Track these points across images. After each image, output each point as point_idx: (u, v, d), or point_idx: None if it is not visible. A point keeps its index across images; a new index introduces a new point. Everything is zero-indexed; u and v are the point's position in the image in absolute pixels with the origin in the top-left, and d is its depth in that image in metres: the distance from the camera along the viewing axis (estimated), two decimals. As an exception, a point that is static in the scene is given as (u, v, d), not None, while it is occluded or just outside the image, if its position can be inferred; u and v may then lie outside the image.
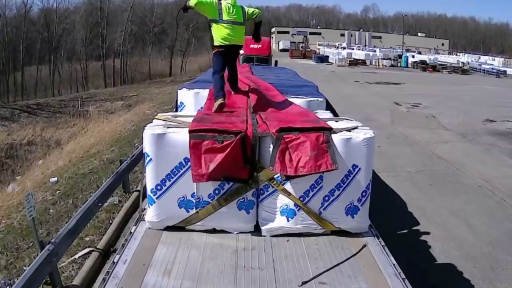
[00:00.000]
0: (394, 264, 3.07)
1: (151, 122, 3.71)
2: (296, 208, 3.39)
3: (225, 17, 4.38)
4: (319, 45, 67.35)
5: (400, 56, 52.30)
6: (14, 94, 43.35)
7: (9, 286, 4.96)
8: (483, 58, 57.39)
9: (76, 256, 5.72)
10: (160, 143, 3.34)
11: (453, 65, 48.33)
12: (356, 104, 17.83)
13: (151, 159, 3.38)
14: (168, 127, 3.46)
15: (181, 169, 3.33)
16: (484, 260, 6.09)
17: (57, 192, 9.19)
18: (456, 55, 64.49)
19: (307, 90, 5.61)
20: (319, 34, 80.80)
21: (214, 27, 4.42)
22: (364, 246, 3.28)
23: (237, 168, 3.28)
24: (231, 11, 4.40)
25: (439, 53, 63.81)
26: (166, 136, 3.34)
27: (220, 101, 4.20)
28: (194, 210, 3.40)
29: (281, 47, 70.99)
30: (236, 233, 3.46)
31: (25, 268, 5.00)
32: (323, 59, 50.54)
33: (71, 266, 5.54)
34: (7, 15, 46.75)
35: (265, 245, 3.31)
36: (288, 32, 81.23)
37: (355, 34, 79.72)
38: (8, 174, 16.71)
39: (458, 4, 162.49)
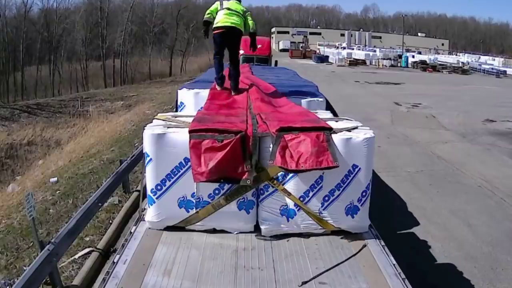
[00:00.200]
0: (394, 264, 3.07)
1: (151, 122, 3.71)
2: (296, 208, 3.39)
3: (224, 6, 5.06)
4: (319, 45, 67.33)
5: (400, 56, 52.30)
6: (14, 94, 43.37)
7: (9, 286, 4.96)
8: (483, 58, 57.39)
9: (76, 256, 5.72)
10: (160, 143, 3.34)
11: (453, 65, 48.34)
12: (356, 104, 17.83)
13: (151, 159, 3.38)
14: (168, 127, 3.46)
15: (181, 169, 3.33)
16: (484, 260, 6.09)
17: (57, 192, 9.20)
18: (456, 55, 64.50)
19: (307, 90, 5.61)
20: (319, 34, 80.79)
21: (218, 15, 5.06)
22: (364, 246, 3.28)
23: (237, 168, 3.28)
24: (230, 4, 5.09)
25: (439, 53, 63.81)
26: (166, 136, 3.34)
27: (218, 88, 5.11)
28: (194, 210, 3.40)
29: (281, 47, 70.99)
30: (236, 233, 3.46)
31: (25, 268, 4.99)
32: (323, 59, 50.53)
33: (71, 266, 5.54)
34: (7, 15, 46.79)
35: (265, 245, 3.31)
36: (288, 32, 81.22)
37: (355, 34, 79.71)
38: (8, 174, 16.71)
39: (458, 4, 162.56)
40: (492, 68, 46.96)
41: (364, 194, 3.49)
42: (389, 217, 6.69)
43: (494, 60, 55.69)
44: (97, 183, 8.84)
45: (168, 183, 3.37)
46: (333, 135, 3.37)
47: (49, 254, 4.43)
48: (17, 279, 4.32)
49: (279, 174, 3.34)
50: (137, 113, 22.07)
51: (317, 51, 59.65)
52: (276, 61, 19.71)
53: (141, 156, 4.31)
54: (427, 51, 64.74)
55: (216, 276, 2.87)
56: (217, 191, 3.38)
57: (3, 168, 17.93)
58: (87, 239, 6.27)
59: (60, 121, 26.16)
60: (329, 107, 5.19)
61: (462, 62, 50.81)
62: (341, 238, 3.43)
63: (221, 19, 4.96)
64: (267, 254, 3.17)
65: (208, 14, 5.12)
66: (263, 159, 3.37)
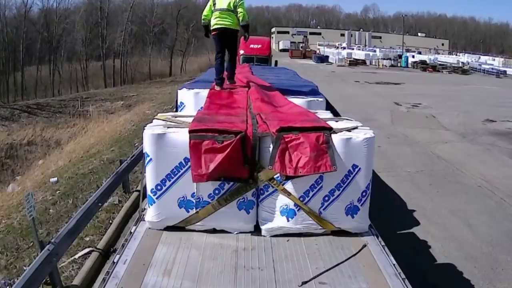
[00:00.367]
0: (394, 264, 3.06)
1: (151, 122, 3.70)
2: (296, 208, 3.39)
3: (217, 6, 5.40)
4: (319, 45, 67.32)
5: (400, 56, 52.29)
6: (14, 94, 43.39)
7: (9, 286, 4.96)
8: (483, 58, 57.38)
9: (76, 256, 5.72)
10: (160, 143, 3.34)
11: (453, 65, 48.34)
12: (356, 104, 17.83)
13: (151, 159, 3.38)
14: (168, 127, 3.46)
15: (181, 169, 3.33)
16: (484, 260, 6.09)
17: (57, 192, 9.20)
18: (456, 55, 64.49)
19: (307, 90, 5.61)
20: (319, 34, 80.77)
21: (212, 16, 5.44)
22: (364, 246, 3.28)
23: (237, 168, 3.28)
24: (221, 1, 5.37)
25: (439, 53, 63.80)
26: (166, 136, 3.34)
27: (217, 88, 5.32)
28: (194, 210, 3.40)
29: (281, 47, 70.98)
30: (236, 233, 3.45)
31: (25, 268, 4.99)
32: (323, 59, 50.53)
33: (71, 266, 5.54)
34: (7, 15, 46.83)
35: (265, 245, 3.31)
36: (288, 32, 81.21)
37: (355, 34, 79.69)
38: (8, 174, 16.73)
39: (458, 4, 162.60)
40: (492, 68, 46.96)
41: (364, 194, 3.49)
42: (389, 217, 6.69)
43: (494, 60, 55.69)
44: (97, 183, 8.85)
45: (168, 183, 3.36)
46: (333, 135, 3.37)
47: (49, 254, 4.43)
48: (17, 279, 4.32)
49: (279, 174, 3.34)
50: (137, 113, 22.08)
51: (317, 51, 59.63)
52: (276, 61, 19.74)
53: (141, 156, 4.31)
54: (427, 51, 64.72)
55: (216, 276, 2.87)
56: (217, 191, 3.37)
57: (3, 168, 17.95)
58: (87, 239, 6.27)
59: (60, 121, 26.18)
60: (329, 107, 5.19)
61: (462, 62, 50.81)
62: (341, 238, 3.43)
63: (214, 22, 5.42)
64: (267, 254, 3.17)
65: (203, 18, 5.55)
66: (263, 159, 3.37)
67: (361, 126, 3.70)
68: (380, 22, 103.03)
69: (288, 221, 3.41)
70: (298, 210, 3.39)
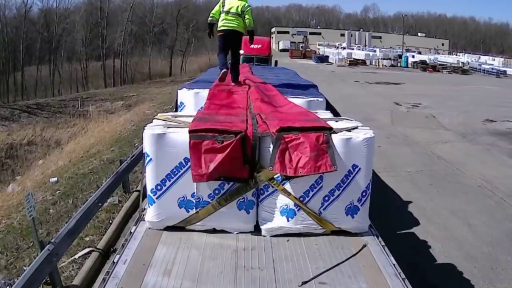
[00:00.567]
0: (394, 264, 3.06)
1: (151, 122, 3.70)
2: (296, 208, 3.39)
3: (226, 8, 5.70)
4: (319, 45, 67.30)
5: (400, 56, 52.29)
6: (14, 94, 43.40)
7: (9, 286, 4.96)
8: (483, 58, 57.38)
9: (76, 256, 5.72)
10: (160, 143, 3.34)
11: (453, 65, 48.34)
12: (356, 104, 17.83)
13: (151, 159, 3.38)
14: (168, 127, 3.46)
15: (181, 169, 3.33)
16: (484, 260, 6.09)
17: (57, 192, 9.20)
18: (456, 55, 64.48)
19: (307, 90, 5.62)
20: (319, 34, 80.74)
21: (220, 17, 5.74)
22: (364, 246, 3.28)
23: (237, 168, 3.28)
24: (231, 4, 5.69)
25: (439, 53, 63.78)
26: (166, 136, 3.34)
27: (223, 71, 5.53)
28: (194, 210, 3.40)
29: (281, 47, 70.97)
30: (236, 233, 3.45)
31: (25, 268, 4.99)
32: (323, 59, 50.53)
33: (71, 266, 5.54)
34: (7, 15, 46.84)
35: (265, 245, 3.31)
36: (288, 32, 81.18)
37: (355, 34, 79.65)
38: (8, 174, 16.74)
39: (458, 4, 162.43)
40: (492, 68, 46.96)
41: (364, 194, 3.49)
42: (389, 217, 6.69)
43: (494, 60, 55.69)
44: (97, 183, 8.85)
45: (168, 183, 3.37)
46: (333, 135, 3.37)
47: (49, 254, 4.43)
48: (17, 279, 4.32)
49: (279, 174, 3.34)
50: (137, 113, 22.08)
51: (317, 51, 59.63)
52: (276, 61, 19.71)
53: (141, 156, 4.31)
54: (427, 51, 64.71)
55: (216, 276, 2.87)
56: (217, 191, 3.37)
57: (3, 168, 17.96)
58: (87, 239, 6.27)
59: (60, 121, 26.19)
60: (329, 107, 5.19)
61: (462, 62, 50.81)
62: (341, 238, 3.42)
63: (222, 24, 5.72)
64: (267, 254, 3.17)
65: (211, 17, 5.83)
66: (263, 159, 3.37)
67: (361, 126, 3.70)
68: (380, 22, 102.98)
69: (288, 221, 3.41)
70: (298, 210, 3.39)
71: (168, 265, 2.97)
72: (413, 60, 50.60)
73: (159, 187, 3.38)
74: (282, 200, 3.39)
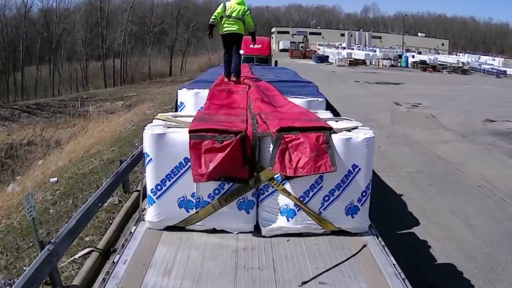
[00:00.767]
0: (394, 264, 3.06)
1: (151, 122, 3.71)
2: (296, 208, 3.39)
3: (227, 13, 6.19)
4: (319, 45, 67.29)
5: (400, 56, 52.28)
6: (14, 94, 43.41)
7: (9, 286, 4.96)
8: (483, 58, 57.36)
9: (76, 256, 5.72)
10: (160, 143, 3.34)
11: (453, 65, 48.33)
12: (356, 104, 17.83)
13: (151, 159, 3.38)
14: (168, 127, 3.46)
15: (181, 169, 3.33)
16: (484, 260, 6.09)
17: (57, 192, 9.20)
18: (456, 55, 64.46)
19: (307, 90, 5.62)
20: (319, 34, 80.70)
21: (222, 21, 6.29)
22: (364, 246, 3.28)
23: (237, 168, 3.28)
24: (232, 8, 6.18)
25: (439, 53, 63.77)
26: (166, 136, 3.34)
27: (226, 79, 6.13)
28: (194, 210, 3.40)
29: (281, 47, 70.95)
30: (236, 233, 3.46)
31: (25, 268, 4.99)
32: (323, 59, 50.52)
33: (71, 266, 5.54)
34: (7, 15, 46.84)
35: (265, 245, 3.31)
36: (288, 32, 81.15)
37: (355, 34, 79.63)
38: (8, 174, 16.74)
39: (458, 4, 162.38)
40: (492, 68, 46.95)
41: (364, 194, 3.49)
42: (389, 217, 6.69)
43: (494, 60, 55.67)
44: (97, 183, 8.85)
45: (168, 183, 3.37)
46: (333, 135, 3.37)
47: (49, 254, 4.43)
48: (17, 279, 4.32)
49: (279, 174, 3.34)
50: (137, 113, 22.08)
51: (317, 51, 59.62)
52: (276, 61, 19.71)
53: (141, 156, 4.31)
54: (427, 51, 64.69)
55: (216, 276, 2.87)
56: (217, 191, 3.37)
57: (3, 168, 17.95)
58: (87, 239, 6.27)
59: (60, 121, 26.18)
60: (329, 107, 5.19)
61: (462, 62, 50.80)
62: (341, 238, 3.42)
63: (223, 27, 6.28)
64: (267, 254, 3.17)
65: (213, 18, 6.31)
66: (263, 159, 3.37)
67: (361, 126, 3.70)
68: (380, 22, 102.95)
69: (288, 221, 3.41)
70: (298, 210, 3.39)
71: (168, 265, 2.97)
72: (413, 60, 50.59)
73: (159, 187, 3.38)
74: (282, 200, 3.40)
